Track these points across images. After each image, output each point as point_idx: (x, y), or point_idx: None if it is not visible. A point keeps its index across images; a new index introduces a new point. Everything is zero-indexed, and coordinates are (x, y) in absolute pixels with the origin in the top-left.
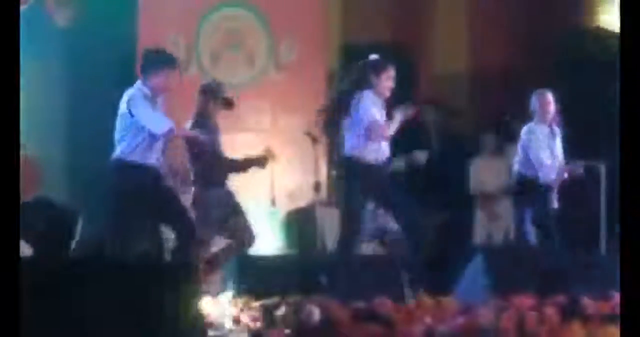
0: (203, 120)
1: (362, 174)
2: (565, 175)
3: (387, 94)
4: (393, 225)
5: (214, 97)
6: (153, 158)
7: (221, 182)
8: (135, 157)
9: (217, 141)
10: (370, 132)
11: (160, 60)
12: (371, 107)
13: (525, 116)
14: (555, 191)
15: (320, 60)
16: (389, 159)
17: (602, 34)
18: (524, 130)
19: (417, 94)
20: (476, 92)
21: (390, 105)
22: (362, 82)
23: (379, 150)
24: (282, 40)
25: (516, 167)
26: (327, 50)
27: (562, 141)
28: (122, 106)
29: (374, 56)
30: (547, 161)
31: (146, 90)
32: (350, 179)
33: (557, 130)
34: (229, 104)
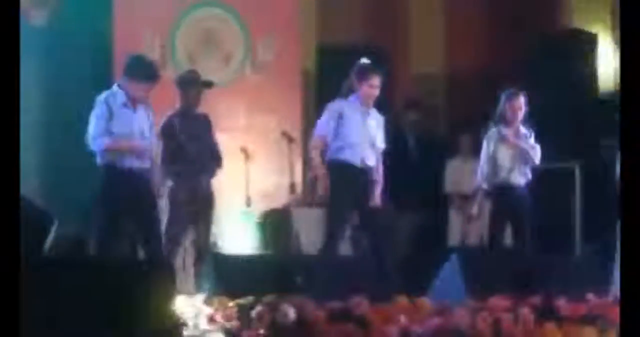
0: (189, 111)
1: (342, 176)
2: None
3: (369, 101)
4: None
5: (193, 84)
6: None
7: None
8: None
9: (207, 131)
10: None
11: (145, 71)
12: (326, 120)
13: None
14: (525, 192)
15: (296, 61)
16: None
17: (579, 35)
18: (489, 133)
19: (393, 94)
20: (452, 93)
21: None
22: (344, 87)
23: (359, 154)
24: (258, 40)
25: (484, 170)
26: (304, 50)
27: (533, 142)
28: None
29: (363, 60)
30: (508, 164)
31: (122, 97)
32: (332, 182)
33: (525, 133)
34: (208, 85)
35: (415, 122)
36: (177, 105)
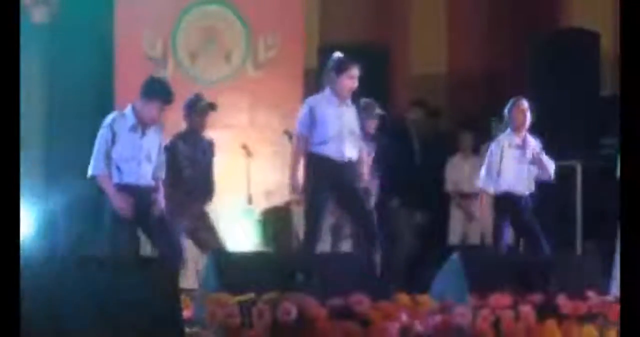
0: (194, 134)
1: (325, 171)
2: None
3: (346, 93)
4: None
5: (197, 107)
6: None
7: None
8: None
9: (208, 157)
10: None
11: (161, 92)
12: (302, 116)
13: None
14: (528, 200)
15: (298, 59)
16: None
17: (581, 34)
18: (495, 142)
19: (395, 93)
20: (454, 92)
21: (357, 105)
22: (323, 81)
23: (339, 148)
24: (260, 38)
25: (489, 175)
26: (306, 48)
27: (538, 148)
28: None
29: (337, 54)
30: (513, 174)
31: (132, 121)
32: (314, 177)
33: (531, 142)
34: (212, 107)
35: (417, 121)
36: (183, 126)
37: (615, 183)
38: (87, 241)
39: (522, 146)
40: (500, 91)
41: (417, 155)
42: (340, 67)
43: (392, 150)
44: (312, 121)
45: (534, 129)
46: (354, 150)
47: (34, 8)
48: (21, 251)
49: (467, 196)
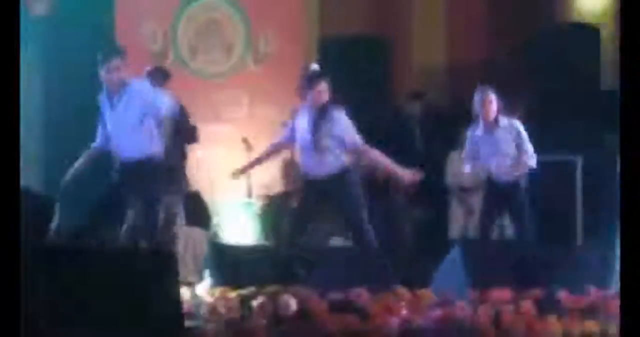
0: None
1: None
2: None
3: (318, 106)
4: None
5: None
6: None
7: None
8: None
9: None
10: None
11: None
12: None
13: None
14: (516, 187)
15: (298, 52)
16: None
17: (582, 27)
18: (469, 133)
19: (395, 86)
20: (453, 85)
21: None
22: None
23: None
24: (260, 31)
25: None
26: (305, 42)
27: (522, 136)
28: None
29: (314, 66)
30: (487, 161)
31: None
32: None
33: (506, 125)
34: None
35: (417, 114)
36: None
37: (616, 178)
38: (86, 231)
39: (495, 133)
40: (501, 85)
41: (417, 148)
42: (310, 83)
43: (392, 143)
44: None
45: (535, 123)
46: (338, 162)
47: (33, 1)
48: (21, 243)
49: (467, 190)
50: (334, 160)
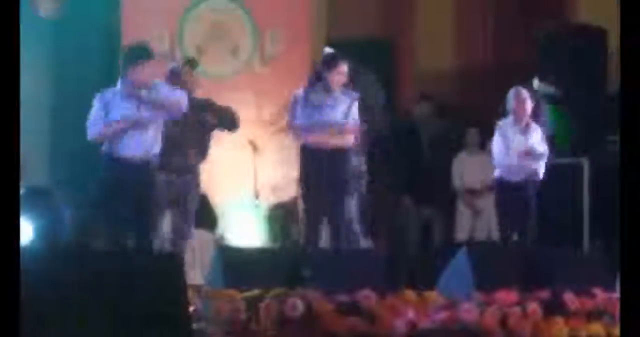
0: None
1: (313, 162)
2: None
3: (335, 87)
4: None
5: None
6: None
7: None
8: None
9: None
10: None
11: (136, 54)
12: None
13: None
14: (533, 188)
15: (305, 54)
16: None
17: (590, 30)
18: (497, 129)
19: (401, 88)
20: (460, 87)
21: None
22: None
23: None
24: (267, 33)
25: (494, 166)
26: (312, 43)
27: (543, 138)
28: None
29: (328, 50)
30: (514, 160)
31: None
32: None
33: (535, 128)
34: (192, 63)
35: (423, 116)
36: None
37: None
38: (92, 233)
39: (525, 134)
40: (507, 87)
41: (424, 150)
42: (330, 63)
43: (398, 146)
44: (300, 111)
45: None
46: (343, 140)
47: (40, 3)
48: (23, 244)
49: (474, 192)
50: (343, 136)
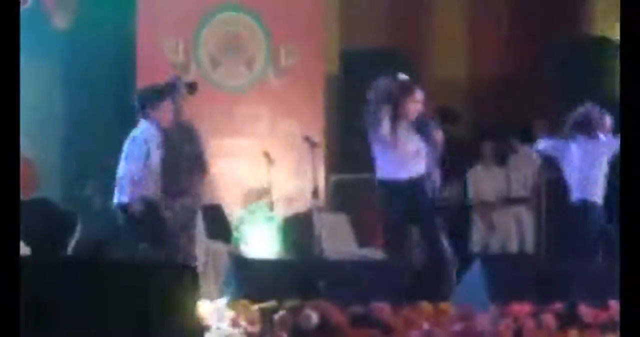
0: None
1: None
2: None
3: (410, 117)
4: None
5: (177, 90)
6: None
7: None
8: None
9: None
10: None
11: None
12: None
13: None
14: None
15: (319, 66)
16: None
17: (602, 41)
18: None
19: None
20: (475, 99)
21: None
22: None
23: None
24: (281, 45)
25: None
26: (326, 56)
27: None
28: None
29: (402, 76)
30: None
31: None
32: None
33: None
34: (192, 88)
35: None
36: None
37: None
38: (103, 244)
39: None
40: (522, 99)
41: (439, 162)
42: (405, 91)
43: None
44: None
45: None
46: (413, 169)
47: (54, 14)
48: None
49: (489, 204)
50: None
